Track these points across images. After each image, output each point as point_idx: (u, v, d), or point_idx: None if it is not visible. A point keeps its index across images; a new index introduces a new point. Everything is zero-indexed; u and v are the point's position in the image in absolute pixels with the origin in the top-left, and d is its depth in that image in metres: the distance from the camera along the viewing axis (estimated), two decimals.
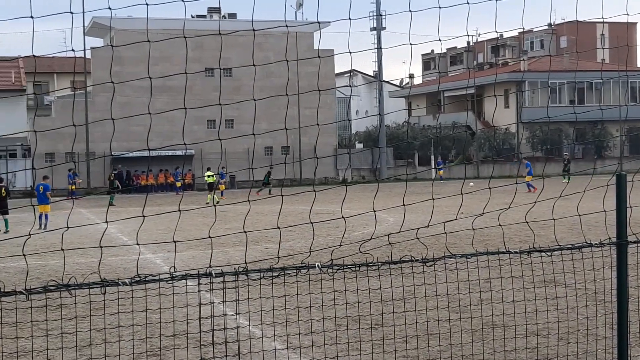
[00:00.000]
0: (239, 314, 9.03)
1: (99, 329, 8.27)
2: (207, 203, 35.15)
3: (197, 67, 49.92)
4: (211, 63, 54.52)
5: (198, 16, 59.55)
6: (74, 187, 45.85)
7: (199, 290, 4.31)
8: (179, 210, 4.25)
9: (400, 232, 5.54)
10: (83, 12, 46.40)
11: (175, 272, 4.03)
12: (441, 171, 50.27)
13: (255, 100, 5.09)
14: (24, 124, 53.31)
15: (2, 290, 3.59)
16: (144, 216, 4.10)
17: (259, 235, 18.85)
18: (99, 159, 52.84)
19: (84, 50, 52.69)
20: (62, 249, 3.97)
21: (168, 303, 7.28)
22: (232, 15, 61.01)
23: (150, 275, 4.01)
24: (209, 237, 4.58)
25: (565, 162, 47.02)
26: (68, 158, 53.23)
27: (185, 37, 5.02)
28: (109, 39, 57.90)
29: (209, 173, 43.48)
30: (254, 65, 5.38)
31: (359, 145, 65.25)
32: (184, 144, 5.42)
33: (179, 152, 52.38)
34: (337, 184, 54.59)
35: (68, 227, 4.09)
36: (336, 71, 63.73)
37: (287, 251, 17.80)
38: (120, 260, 16.87)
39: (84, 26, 55.17)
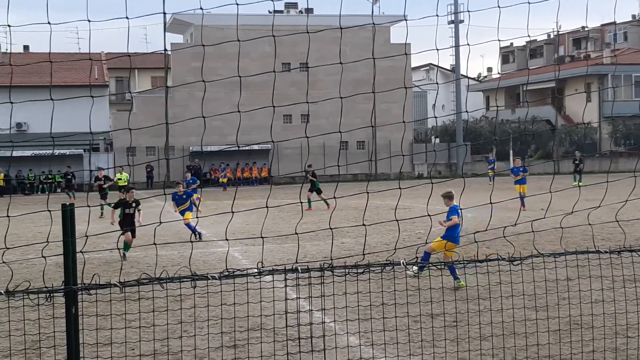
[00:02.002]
0: (324, 309, 9.02)
1: (188, 321, 8.40)
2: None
3: (273, 61, 50.30)
4: (288, 58, 54.85)
5: (275, 11, 59.97)
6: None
7: (285, 286, 4.30)
8: (266, 207, 4.25)
9: (487, 230, 5.43)
10: (164, 10, 47.21)
11: (262, 267, 4.04)
12: (492, 170, 44.73)
13: (341, 98, 5.06)
14: (107, 119, 54.73)
15: (97, 282, 3.67)
16: (232, 212, 4.12)
17: (336, 229, 18.86)
18: (178, 152, 53.82)
19: (164, 48, 53.62)
20: (154, 244, 4.02)
21: (246, 297, 7.33)
22: (309, 11, 61.22)
23: (238, 270, 4.02)
24: (295, 233, 4.56)
25: (577, 163, 43.08)
26: (148, 152, 54.44)
27: (275, 36, 5.03)
28: (189, 35, 58.91)
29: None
30: (341, 62, 5.33)
31: (435, 140, 64.65)
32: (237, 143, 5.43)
33: (256, 147, 52.94)
34: (412, 178, 54.26)
35: (160, 222, 4.15)
36: (412, 65, 63.18)
37: (362, 247, 17.76)
38: (199, 253, 17.13)
39: (164, 23, 56.25)
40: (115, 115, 59.23)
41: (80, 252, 3.76)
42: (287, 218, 26.18)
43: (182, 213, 20.65)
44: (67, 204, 3.64)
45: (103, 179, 31.10)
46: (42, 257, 3.78)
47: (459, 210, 12.50)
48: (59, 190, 52.60)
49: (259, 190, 48.49)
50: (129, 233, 16.57)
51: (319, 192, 30.17)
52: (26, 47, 67.29)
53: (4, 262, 3.98)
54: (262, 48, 53.20)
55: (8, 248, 3.80)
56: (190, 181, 31.75)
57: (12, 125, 54.92)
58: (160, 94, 54.43)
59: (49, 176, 53.69)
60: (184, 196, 21.09)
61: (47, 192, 53.47)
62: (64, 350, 6.25)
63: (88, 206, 3.77)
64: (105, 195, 29.32)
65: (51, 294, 3.78)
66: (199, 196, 28.79)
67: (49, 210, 3.82)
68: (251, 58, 51.62)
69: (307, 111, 54.94)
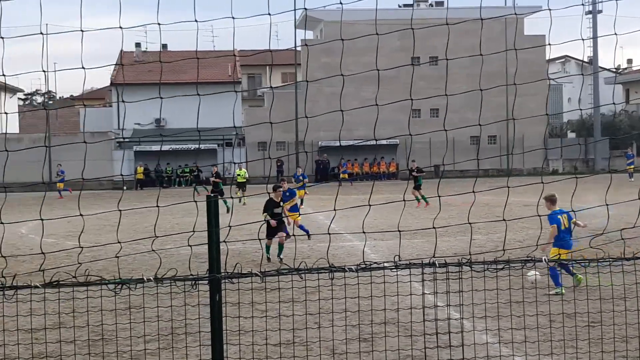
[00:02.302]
0: (462, 305, 8.85)
1: (312, 313, 8.45)
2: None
3: (403, 56, 50.00)
4: (417, 52, 54.41)
5: (405, 5, 59.66)
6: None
7: (422, 280, 4.22)
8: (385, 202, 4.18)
9: (635, 226, 5.13)
10: (294, 8, 47.92)
11: (399, 261, 3.98)
12: (631, 166, 40.51)
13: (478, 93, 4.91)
14: (240, 114, 56.14)
15: (240, 272, 3.73)
16: (370, 205, 4.09)
17: (466, 226, 18.49)
18: (307, 147, 54.50)
19: (295, 45, 54.40)
20: (293, 235, 4.03)
21: (375, 291, 7.28)
22: (439, 4, 60.49)
23: (375, 262, 3.99)
24: (433, 227, 4.47)
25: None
26: (279, 147, 55.44)
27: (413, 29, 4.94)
28: (319, 32, 59.52)
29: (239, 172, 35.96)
30: (481, 54, 5.18)
31: (571, 135, 62.38)
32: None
33: (384, 142, 52.85)
34: (546, 174, 52.59)
35: (286, 216, 4.16)
36: (547, 57, 61.16)
37: (495, 243, 17.35)
38: (328, 247, 17.26)
39: (295, 19, 57.09)
40: (247, 111, 60.69)
41: (224, 241, 3.84)
42: (415, 213, 25.97)
43: (291, 210, 19.38)
44: (212, 195, 3.72)
45: (214, 175, 31.42)
46: (189, 245, 3.88)
47: (559, 217, 12.15)
48: (194, 184, 54.51)
49: (386, 185, 48.40)
50: (283, 235, 15.63)
51: (418, 188, 29.60)
52: (164, 46, 70.03)
53: (153, 250, 4.11)
54: (392, 42, 52.97)
55: (157, 237, 3.92)
56: (300, 177, 31.40)
57: (152, 121, 57.30)
58: (290, 89, 55.31)
59: (185, 170, 55.71)
60: (287, 194, 19.76)
61: (183, 186, 55.53)
62: (200, 336, 6.41)
63: (231, 197, 3.83)
64: (222, 192, 29.58)
65: (196, 282, 3.87)
66: (307, 191, 28.70)
67: (195, 202, 3.92)
68: (381, 53, 51.57)
69: (445, 104, 54.28)
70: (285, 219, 16.60)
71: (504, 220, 4.70)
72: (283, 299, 7.35)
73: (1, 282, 3.83)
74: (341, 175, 52.71)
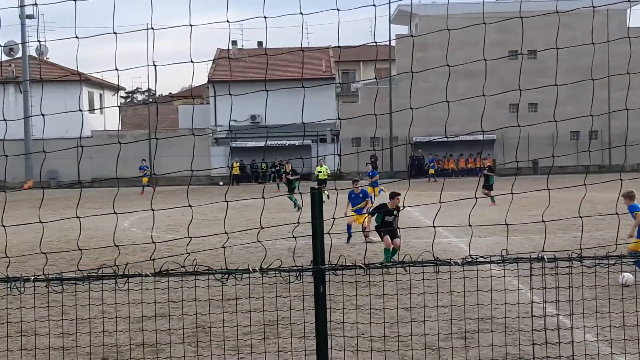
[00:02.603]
0: (572, 301, 8.76)
1: (405, 307, 8.53)
2: None
3: (499, 50, 49.20)
4: (515, 46, 53.39)
5: None
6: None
7: (531, 275, 4.24)
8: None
9: None
10: (389, 2, 47.79)
11: (506, 255, 4.02)
12: None
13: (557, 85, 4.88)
14: (333, 110, 56.48)
15: (344, 263, 3.85)
16: (477, 198, 4.14)
17: (565, 223, 18.16)
18: (402, 143, 54.31)
19: (389, 39, 54.28)
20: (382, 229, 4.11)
21: (470, 285, 7.29)
22: None
23: (481, 257, 4.04)
24: (542, 220, 4.48)
25: None
26: (375, 143, 55.47)
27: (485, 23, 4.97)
28: (414, 27, 59.16)
29: (319, 168, 35.45)
30: (593, 43, 5.15)
31: None
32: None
33: (480, 137, 52.12)
34: None
35: (378, 212, 4.25)
36: None
37: (597, 241, 16.96)
38: (424, 243, 17.24)
39: (389, 14, 56.99)
40: (341, 107, 60.93)
41: (328, 233, 3.98)
42: (513, 210, 25.56)
43: (358, 212, 18.41)
44: (315, 187, 3.86)
45: (290, 172, 31.31)
46: (293, 237, 4.02)
47: None
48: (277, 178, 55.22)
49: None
50: (388, 237, 14.45)
51: (490, 188, 28.02)
52: (260, 43, 71.05)
53: (259, 241, 4.28)
54: (488, 36, 52.11)
55: (262, 228, 4.09)
56: (370, 174, 30.34)
57: (247, 118, 58.32)
58: (384, 85, 55.22)
59: (280, 167, 56.49)
60: (361, 195, 18.87)
61: (277, 181, 56.31)
62: (302, 327, 6.60)
63: (299, 193, 3.95)
64: (294, 189, 29.42)
65: (301, 273, 4.01)
66: (382, 188, 27.82)
67: (300, 194, 4.07)
68: (475, 47, 50.82)
69: (557, 98, 53.18)
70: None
71: (616, 214, 4.66)
72: (377, 292, 7.45)
73: (114, 271, 4.07)
74: (429, 171, 52.54)
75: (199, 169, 49.51)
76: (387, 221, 14.69)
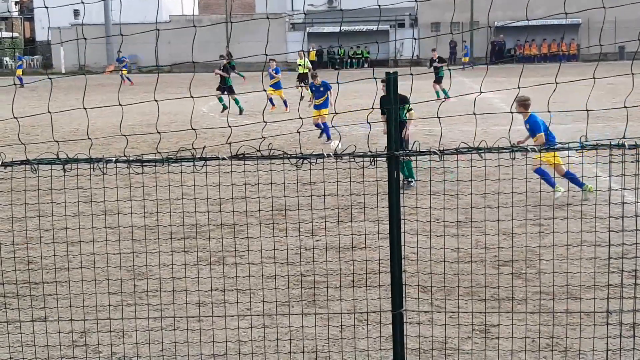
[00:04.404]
0: (624, 189, 8.59)
1: (480, 194, 8.50)
2: None
3: None
4: None
5: None
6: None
7: (610, 162, 4.14)
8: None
9: None
10: None
11: (586, 141, 3.92)
12: None
13: None
14: None
15: (418, 149, 3.84)
16: (557, 83, 4.02)
17: None
18: (482, 29, 52.73)
19: None
20: (474, 114, 4.05)
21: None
22: None
23: (559, 143, 3.96)
24: (624, 106, 4.33)
25: None
26: (454, 28, 54.00)
27: None
28: None
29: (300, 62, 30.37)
30: None
31: None
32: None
33: (564, 21, 50.07)
34: None
35: (445, 98, 4.18)
36: None
37: None
38: (501, 130, 16.98)
39: None
40: None
41: (402, 120, 3.95)
42: (596, 96, 24.77)
43: (317, 108, 17.57)
44: (390, 72, 3.82)
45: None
46: (367, 123, 4.01)
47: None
48: (366, 65, 54.62)
49: (567, 67, 46.20)
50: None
51: (439, 81, 26.22)
52: None
53: (333, 127, 4.29)
54: None
55: (337, 113, 4.08)
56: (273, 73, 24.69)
57: (325, 2, 57.37)
58: None
59: (357, 52, 55.78)
60: (321, 88, 17.67)
61: (355, 67, 55.76)
62: (378, 212, 6.67)
63: (411, 74, 3.89)
64: (230, 89, 24.59)
65: (375, 158, 4.03)
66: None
67: (375, 78, 4.03)
68: None
69: None
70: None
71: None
72: (459, 179, 7.43)
73: (192, 154, 4.15)
74: (463, 60, 51.34)
75: (275, 54, 49.52)
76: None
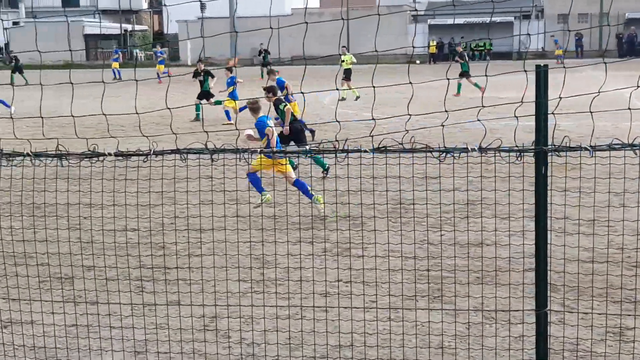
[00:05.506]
0: None
1: (616, 192, 8.17)
2: None
3: None
4: None
5: None
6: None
7: None
8: None
9: None
10: None
11: None
12: None
13: None
14: None
15: (567, 145, 3.73)
16: None
17: None
18: (612, 20, 50.65)
19: None
20: (589, 111, 3.91)
21: None
22: None
23: None
24: None
25: None
26: (580, 20, 52.13)
27: None
28: None
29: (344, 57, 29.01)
30: None
31: None
32: None
33: None
34: None
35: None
36: None
37: None
38: (636, 126, 16.28)
39: None
40: None
41: (552, 113, 3.83)
42: None
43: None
44: (541, 65, 3.72)
45: (199, 72, 23.85)
46: (515, 117, 3.93)
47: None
48: (488, 58, 53.55)
49: None
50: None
51: (465, 75, 26.12)
52: None
53: (478, 120, 4.22)
54: None
55: (484, 107, 4.01)
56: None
57: None
58: None
59: (479, 44, 54.81)
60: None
61: (477, 59, 54.79)
62: (523, 208, 6.54)
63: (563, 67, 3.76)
64: (207, 94, 23.26)
65: (522, 153, 3.93)
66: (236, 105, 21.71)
67: (525, 71, 3.93)
68: None
69: None
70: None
71: None
72: (587, 175, 7.18)
73: (334, 146, 4.16)
74: (556, 52, 49.02)
75: (396, 47, 49.28)
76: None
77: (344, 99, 26.63)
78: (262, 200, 9.97)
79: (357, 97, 26.99)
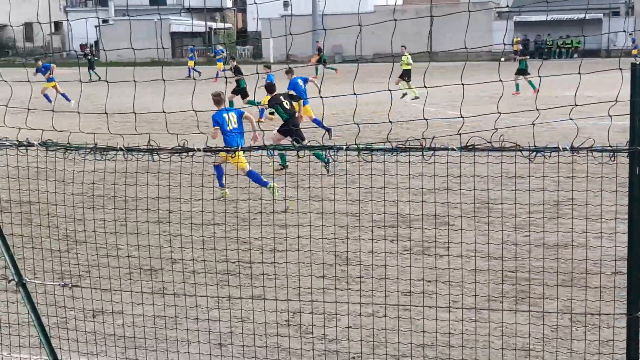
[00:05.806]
0: None
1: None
2: None
3: None
4: None
5: None
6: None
7: None
8: None
9: None
10: None
11: None
12: None
13: None
14: None
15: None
16: None
17: None
18: None
19: None
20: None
21: None
22: None
23: None
24: None
25: None
26: None
27: None
28: None
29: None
30: None
31: None
32: None
33: None
34: None
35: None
36: None
37: None
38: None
39: None
40: None
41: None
42: None
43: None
44: (637, 63, 3.61)
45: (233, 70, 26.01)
46: (609, 116, 3.82)
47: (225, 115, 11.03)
48: (575, 55, 52.22)
49: None
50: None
51: (523, 73, 26.34)
52: None
53: (570, 119, 4.13)
54: None
55: (576, 105, 3.92)
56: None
57: None
58: None
59: (566, 42, 53.49)
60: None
61: (564, 57, 53.49)
62: (602, 209, 6.35)
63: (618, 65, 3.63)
64: (244, 92, 23.10)
65: (615, 153, 3.83)
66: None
67: (620, 69, 3.82)
68: None
69: None
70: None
71: None
72: None
73: (420, 144, 4.15)
74: (632, 52, 47.00)
75: (480, 45, 48.51)
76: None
77: (405, 94, 26.75)
78: (222, 194, 10.65)
79: (416, 97, 26.72)
